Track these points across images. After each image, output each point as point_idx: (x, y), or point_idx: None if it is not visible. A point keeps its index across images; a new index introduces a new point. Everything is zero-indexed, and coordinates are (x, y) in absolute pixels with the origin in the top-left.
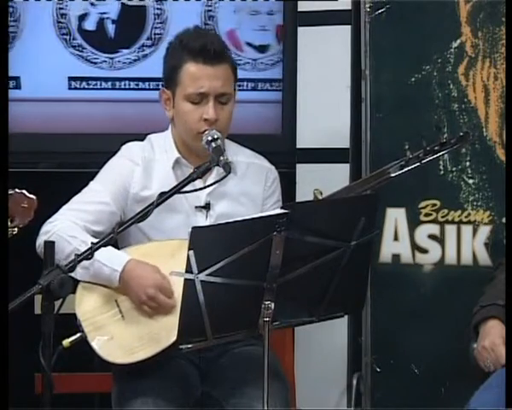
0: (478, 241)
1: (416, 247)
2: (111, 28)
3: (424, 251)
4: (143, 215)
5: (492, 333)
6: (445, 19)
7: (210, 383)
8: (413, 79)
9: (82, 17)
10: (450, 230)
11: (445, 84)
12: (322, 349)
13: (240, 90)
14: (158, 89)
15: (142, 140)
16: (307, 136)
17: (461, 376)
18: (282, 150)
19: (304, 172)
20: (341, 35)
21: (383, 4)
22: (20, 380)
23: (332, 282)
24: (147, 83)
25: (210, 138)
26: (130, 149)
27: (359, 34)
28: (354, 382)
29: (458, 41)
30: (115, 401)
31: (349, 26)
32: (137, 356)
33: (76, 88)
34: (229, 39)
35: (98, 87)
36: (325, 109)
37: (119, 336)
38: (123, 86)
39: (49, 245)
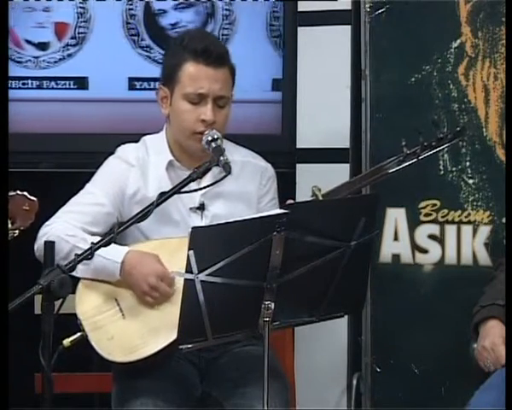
0: (478, 241)
1: (416, 247)
2: None
3: (424, 251)
4: (143, 215)
5: (492, 333)
6: (445, 19)
7: (210, 384)
8: (413, 79)
9: None
10: (450, 230)
11: (445, 84)
12: (323, 349)
13: (24, 88)
14: None
15: (137, 141)
16: (307, 136)
17: (461, 376)
18: (282, 150)
19: (304, 172)
20: (341, 35)
21: (383, 4)
22: (20, 380)
23: (332, 282)
24: None
25: (210, 138)
26: (125, 150)
27: (359, 34)
28: (354, 382)
29: (458, 41)
30: (115, 402)
31: (349, 26)
32: (139, 354)
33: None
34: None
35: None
36: (325, 109)
37: (120, 335)
38: None
39: (49, 245)
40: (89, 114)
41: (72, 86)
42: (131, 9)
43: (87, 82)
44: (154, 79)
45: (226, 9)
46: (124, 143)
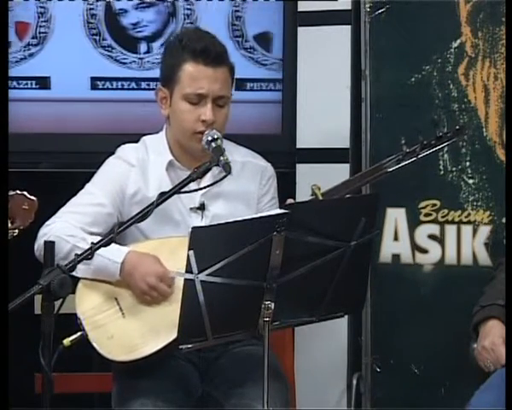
0: (478, 241)
1: (416, 247)
2: None
3: (424, 251)
4: (143, 215)
5: (492, 333)
6: (445, 19)
7: (210, 383)
8: (413, 79)
9: None
10: (450, 230)
11: (445, 84)
12: (323, 349)
13: None
14: None
15: (137, 141)
16: (307, 136)
17: (461, 376)
18: (282, 150)
19: (304, 172)
20: (341, 35)
21: (383, 4)
22: (20, 380)
23: (332, 282)
24: None
25: (210, 138)
26: (125, 150)
27: (359, 34)
28: (354, 382)
29: (458, 41)
30: (115, 401)
31: (349, 26)
32: (139, 353)
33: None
34: None
35: None
36: (325, 109)
37: (120, 334)
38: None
39: (49, 245)
40: (51, 113)
41: (34, 86)
42: (92, 9)
43: (49, 82)
44: (117, 79)
45: (187, 9)
46: (124, 144)
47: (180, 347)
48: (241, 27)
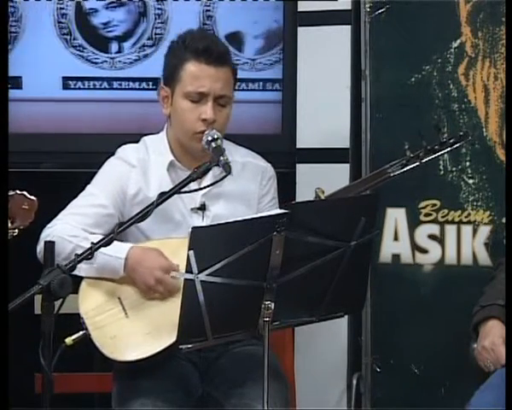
0: (478, 241)
1: (416, 247)
2: None
3: (424, 251)
4: (144, 215)
5: (492, 333)
6: (445, 19)
7: (210, 383)
8: (413, 79)
9: None
10: (450, 230)
11: (445, 84)
12: (323, 349)
13: None
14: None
15: (137, 141)
16: (307, 136)
17: (461, 376)
18: (282, 150)
19: (304, 172)
20: (341, 35)
21: (383, 4)
22: (20, 380)
23: (332, 282)
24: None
25: (210, 138)
26: (125, 151)
27: (359, 34)
28: (354, 382)
29: (458, 41)
30: (115, 401)
31: (349, 26)
32: (141, 353)
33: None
34: None
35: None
36: (325, 109)
37: (123, 334)
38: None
39: (50, 245)
40: (24, 113)
41: None
42: (62, 9)
43: (21, 81)
44: (88, 79)
45: (158, 8)
46: (124, 144)
47: (180, 347)
48: (213, 27)
